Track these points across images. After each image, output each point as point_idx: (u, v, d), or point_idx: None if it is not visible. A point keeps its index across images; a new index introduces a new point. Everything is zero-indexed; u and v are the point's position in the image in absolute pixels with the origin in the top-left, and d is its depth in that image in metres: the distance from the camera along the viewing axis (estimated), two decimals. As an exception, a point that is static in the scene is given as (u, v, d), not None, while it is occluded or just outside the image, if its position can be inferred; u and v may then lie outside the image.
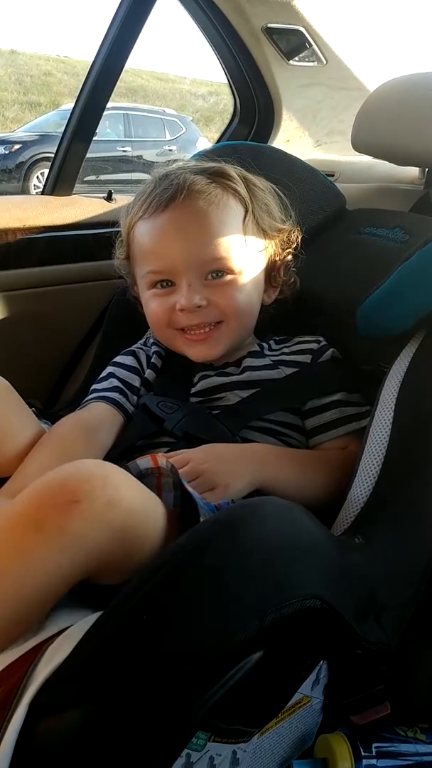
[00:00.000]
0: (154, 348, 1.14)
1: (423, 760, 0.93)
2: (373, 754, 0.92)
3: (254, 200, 1.04)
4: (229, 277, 1.00)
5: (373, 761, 0.91)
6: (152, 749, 0.57)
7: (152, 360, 1.12)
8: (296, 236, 1.10)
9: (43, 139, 8.26)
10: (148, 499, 0.73)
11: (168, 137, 9.20)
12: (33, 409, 1.04)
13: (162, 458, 0.80)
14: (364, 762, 0.91)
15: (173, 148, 9.19)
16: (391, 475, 0.85)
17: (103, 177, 8.13)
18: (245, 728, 0.77)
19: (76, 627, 0.64)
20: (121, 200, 1.58)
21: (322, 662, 0.90)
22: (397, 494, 0.85)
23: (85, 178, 8.35)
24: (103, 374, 1.13)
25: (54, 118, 9.31)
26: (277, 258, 1.09)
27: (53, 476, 0.68)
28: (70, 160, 1.50)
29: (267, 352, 1.07)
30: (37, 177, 8.02)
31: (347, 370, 1.05)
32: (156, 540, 0.71)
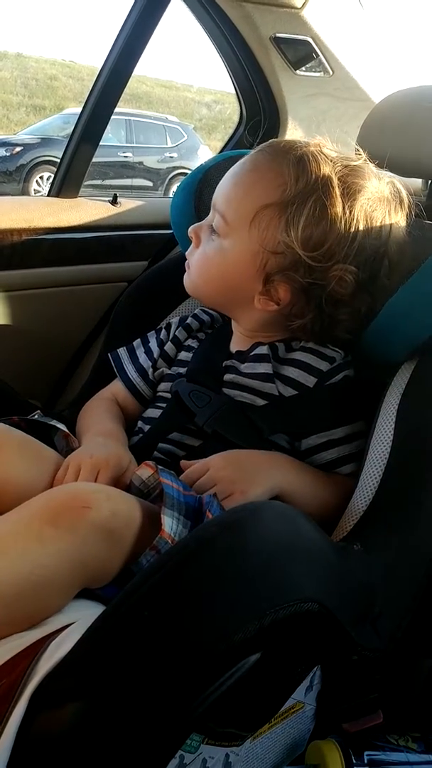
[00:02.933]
0: (188, 320, 1.13)
1: (414, 768, 0.93)
2: (365, 762, 0.92)
3: (298, 203, 0.91)
4: (215, 238, 0.98)
5: (365, 769, 0.91)
6: (149, 745, 0.57)
7: (176, 333, 1.12)
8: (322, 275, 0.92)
9: (45, 142, 8.28)
10: (141, 513, 0.77)
11: (170, 144, 9.18)
12: (38, 411, 1.04)
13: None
14: (356, 769, 0.91)
15: (174, 155, 9.17)
16: (391, 484, 0.86)
17: (104, 182, 8.13)
18: (239, 731, 0.77)
19: (79, 623, 0.65)
20: (126, 204, 1.59)
21: (315, 668, 0.91)
22: (396, 503, 0.85)
23: (85, 183, 8.50)
24: (130, 345, 1.16)
25: (57, 122, 9.34)
26: (274, 269, 0.94)
27: (67, 487, 0.81)
28: (76, 163, 1.51)
29: (273, 359, 0.99)
30: (37, 181, 8.03)
31: (355, 397, 0.98)
32: (144, 546, 0.74)
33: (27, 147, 8.27)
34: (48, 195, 1.56)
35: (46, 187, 7.99)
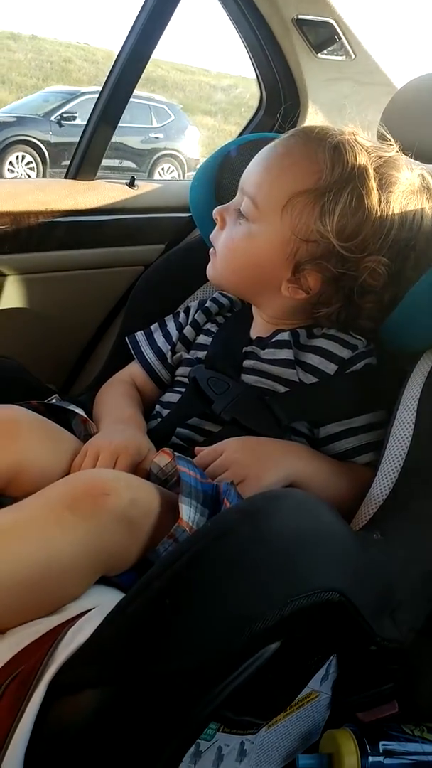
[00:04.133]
0: (207, 304, 1.12)
1: (429, 759, 0.92)
2: (380, 751, 0.92)
3: (334, 192, 0.89)
4: (243, 222, 0.96)
5: (380, 758, 0.91)
6: (167, 734, 0.57)
7: (195, 317, 1.11)
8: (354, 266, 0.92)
9: (21, 121, 7.97)
10: (160, 501, 0.77)
11: (155, 124, 8.82)
12: (55, 395, 1.04)
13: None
14: (371, 759, 0.91)
15: (160, 135, 8.87)
16: (411, 473, 0.85)
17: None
18: (255, 720, 0.77)
19: (98, 609, 0.64)
20: (144, 187, 1.57)
21: (331, 658, 0.90)
22: (416, 493, 0.84)
23: (61, 163, 7.88)
24: (147, 329, 1.15)
25: (37, 101, 8.92)
26: (305, 258, 0.92)
27: (87, 474, 0.82)
28: (94, 145, 1.50)
29: (294, 346, 0.98)
30: (11, 162, 7.74)
31: (376, 385, 0.96)
32: (162, 534, 0.74)
33: (1, 126, 7.94)
34: (65, 177, 1.54)
35: (19, 169, 7.76)
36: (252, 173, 0.97)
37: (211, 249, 1.02)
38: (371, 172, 0.90)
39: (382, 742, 0.93)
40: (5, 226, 1.38)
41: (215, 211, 1.00)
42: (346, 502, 0.88)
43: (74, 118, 8.28)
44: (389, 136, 0.98)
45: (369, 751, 0.91)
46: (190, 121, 9.72)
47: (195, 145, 9.46)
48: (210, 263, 1.03)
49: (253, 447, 0.89)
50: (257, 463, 0.86)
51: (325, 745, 0.94)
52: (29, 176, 7.84)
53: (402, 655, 0.95)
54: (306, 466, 0.89)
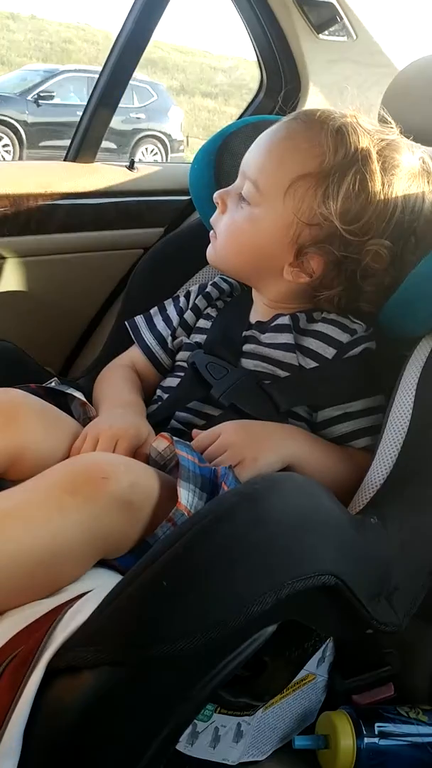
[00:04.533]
0: (207, 288, 1.12)
1: (424, 741, 0.93)
2: (375, 733, 0.92)
3: (337, 175, 0.89)
4: (244, 206, 0.96)
5: (375, 740, 0.92)
6: (164, 714, 0.58)
7: (195, 301, 1.11)
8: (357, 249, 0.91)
9: None
10: (159, 484, 0.77)
11: (136, 104, 8.53)
12: (54, 379, 1.04)
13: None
14: (366, 741, 0.92)
15: (141, 116, 8.65)
16: (409, 458, 0.85)
17: (57, 143, 7.48)
18: (252, 701, 0.78)
19: (96, 591, 0.65)
20: (143, 170, 1.57)
21: (328, 641, 0.91)
22: (413, 478, 0.84)
23: (39, 144, 7.88)
24: (147, 313, 1.14)
25: (14, 80, 8.72)
26: (307, 241, 0.92)
27: (86, 457, 0.82)
28: (94, 127, 1.49)
29: (294, 330, 0.98)
30: None
31: (374, 370, 0.96)
32: (161, 517, 0.74)
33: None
34: (65, 160, 1.53)
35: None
36: (253, 157, 0.96)
37: (211, 232, 1.02)
38: (374, 155, 0.90)
39: (377, 724, 0.93)
40: (4, 208, 1.37)
41: (216, 194, 1.00)
42: (343, 485, 0.88)
43: (52, 97, 8.09)
44: (390, 119, 0.97)
45: (364, 732, 0.92)
46: (173, 101, 9.49)
47: (178, 125, 9.24)
48: (210, 246, 1.02)
49: (250, 429, 0.89)
50: (254, 445, 0.86)
51: (322, 727, 0.95)
52: (4, 158, 7.59)
53: (397, 638, 0.96)
54: (302, 449, 0.89)
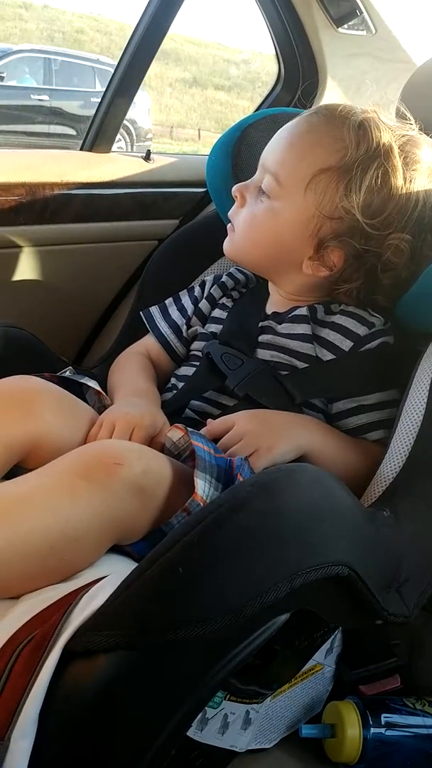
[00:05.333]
0: (223, 278, 1.12)
1: (430, 732, 0.94)
2: (382, 723, 0.93)
3: (359, 169, 0.90)
4: (264, 199, 0.96)
5: (381, 730, 0.93)
6: (178, 699, 0.59)
7: (211, 291, 1.11)
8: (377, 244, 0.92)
9: None
10: (172, 472, 0.77)
11: (99, 88, 7.66)
12: (69, 368, 1.04)
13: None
14: (372, 731, 0.92)
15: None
16: (421, 453, 0.85)
17: (9, 127, 7.12)
18: (260, 690, 0.79)
19: (111, 577, 0.65)
20: (159, 161, 1.57)
21: (336, 632, 0.92)
22: (426, 472, 0.85)
23: None
24: (162, 303, 1.15)
25: None
26: (328, 235, 0.93)
27: (99, 444, 0.83)
28: (110, 118, 1.49)
29: (312, 321, 0.98)
30: None
31: (389, 364, 0.96)
32: (175, 504, 0.75)
33: None
34: (81, 149, 1.54)
35: None
36: (274, 150, 0.97)
37: (229, 225, 1.03)
38: (396, 150, 0.91)
39: (383, 715, 0.94)
40: (20, 197, 1.37)
41: (235, 188, 1.00)
42: (356, 476, 0.89)
43: (1, 78, 7.49)
44: (409, 115, 0.97)
45: (371, 723, 0.93)
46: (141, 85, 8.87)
47: (146, 112, 8.59)
48: (228, 238, 1.03)
49: (264, 418, 0.90)
50: (269, 434, 0.87)
51: (328, 716, 0.96)
52: None
53: (405, 630, 0.97)
54: (317, 439, 0.90)
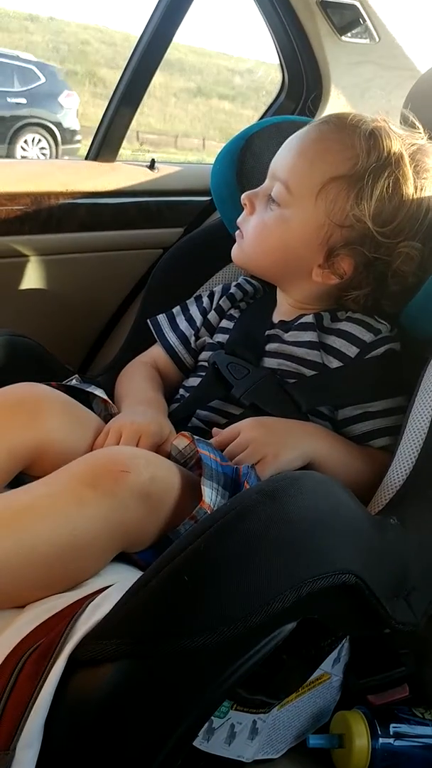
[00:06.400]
0: (231, 289, 1.12)
1: (439, 743, 0.93)
2: (390, 733, 0.93)
3: (371, 178, 0.90)
4: (274, 207, 0.97)
5: (390, 741, 0.92)
6: (184, 708, 0.58)
7: (219, 302, 1.11)
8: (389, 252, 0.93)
9: None
10: (180, 479, 0.77)
11: (18, 88, 7.25)
12: (75, 376, 1.04)
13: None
14: (381, 741, 0.92)
15: (21, 100, 7.26)
16: (429, 459, 0.85)
17: None
18: (267, 699, 0.78)
19: (118, 585, 0.65)
20: (164, 170, 1.57)
21: (344, 641, 0.91)
22: (433, 479, 0.84)
23: None
24: (169, 312, 1.15)
25: None
26: (339, 243, 0.93)
27: (106, 451, 0.82)
28: (115, 127, 1.49)
29: (318, 328, 0.98)
30: None
31: (395, 371, 0.96)
32: (182, 512, 0.75)
33: None
34: (86, 158, 1.54)
35: None
36: (284, 158, 0.97)
37: (237, 232, 1.03)
38: (407, 159, 0.91)
39: (392, 725, 0.94)
40: (25, 206, 1.38)
41: (244, 196, 1.00)
42: (363, 484, 0.88)
43: None
44: (418, 124, 0.98)
45: (379, 733, 0.92)
46: (68, 85, 7.96)
47: (74, 113, 7.86)
48: (236, 245, 1.03)
49: (270, 426, 0.90)
50: (275, 441, 0.87)
51: (336, 726, 0.95)
52: None
53: (413, 639, 0.96)
54: (323, 447, 0.90)
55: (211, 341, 1.07)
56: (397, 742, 0.92)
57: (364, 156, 0.90)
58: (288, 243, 0.96)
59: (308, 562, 0.62)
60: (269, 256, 0.99)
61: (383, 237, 0.91)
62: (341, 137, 0.93)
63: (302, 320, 0.99)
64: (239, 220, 1.03)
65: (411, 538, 0.79)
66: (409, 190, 0.91)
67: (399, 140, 0.92)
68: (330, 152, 0.93)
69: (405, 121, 1.00)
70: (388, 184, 0.90)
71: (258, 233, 0.98)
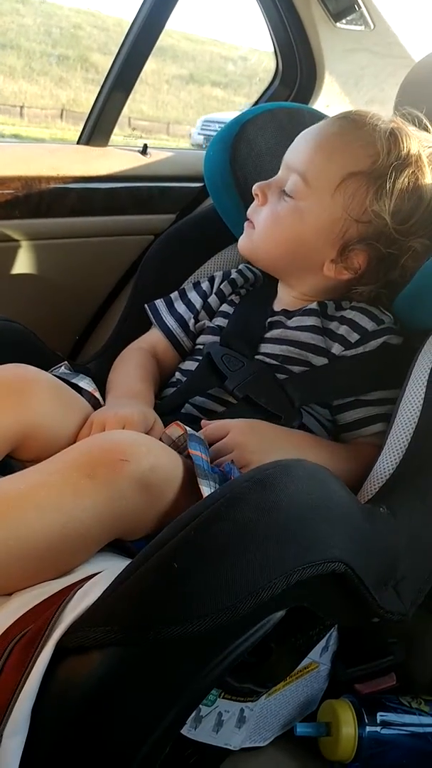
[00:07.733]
0: (232, 275, 1.12)
1: (425, 731, 0.94)
2: (377, 722, 0.93)
3: (393, 176, 0.92)
4: (288, 199, 0.97)
5: (377, 729, 0.93)
6: (172, 696, 0.58)
7: (221, 287, 1.11)
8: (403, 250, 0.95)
9: None
10: (181, 468, 0.77)
11: None
12: (65, 362, 1.03)
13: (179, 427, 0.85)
14: (368, 729, 0.92)
15: None
16: (418, 449, 0.85)
17: None
18: (255, 688, 0.78)
19: (105, 573, 0.64)
20: (156, 155, 1.56)
21: (332, 630, 0.91)
22: (422, 469, 0.84)
23: None
24: (167, 297, 1.15)
25: None
26: (354, 238, 0.95)
27: (106, 437, 0.78)
28: (108, 111, 1.47)
29: (322, 315, 0.99)
30: None
31: (390, 364, 0.96)
32: (181, 502, 0.74)
33: None
34: (77, 143, 1.53)
35: None
36: (300, 151, 0.98)
37: (247, 222, 1.03)
38: (425, 159, 0.95)
39: (379, 713, 0.94)
40: (16, 190, 1.36)
41: (256, 186, 1.01)
42: (351, 481, 0.88)
43: None
44: (431, 126, 1.01)
45: (366, 721, 0.93)
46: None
47: None
48: (245, 236, 1.04)
49: (260, 433, 0.89)
50: (260, 452, 0.85)
51: (324, 715, 0.95)
52: None
53: (401, 629, 0.97)
54: (309, 457, 0.89)
55: (210, 324, 1.07)
56: (384, 731, 0.93)
57: (384, 154, 0.93)
58: (301, 235, 0.97)
59: (298, 550, 0.62)
60: (280, 247, 1.00)
61: (399, 234, 0.94)
62: (362, 134, 0.95)
63: (307, 307, 1.00)
64: (250, 210, 1.03)
65: (401, 527, 0.79)
66: (428, 189, 0.94)
67: (417, 141, 0.96)
68: (350, 147, 0.94)
69: (419, 124, 1.00)
70: (408, 182, 0.93)
71: (270, 224, 0.99)
